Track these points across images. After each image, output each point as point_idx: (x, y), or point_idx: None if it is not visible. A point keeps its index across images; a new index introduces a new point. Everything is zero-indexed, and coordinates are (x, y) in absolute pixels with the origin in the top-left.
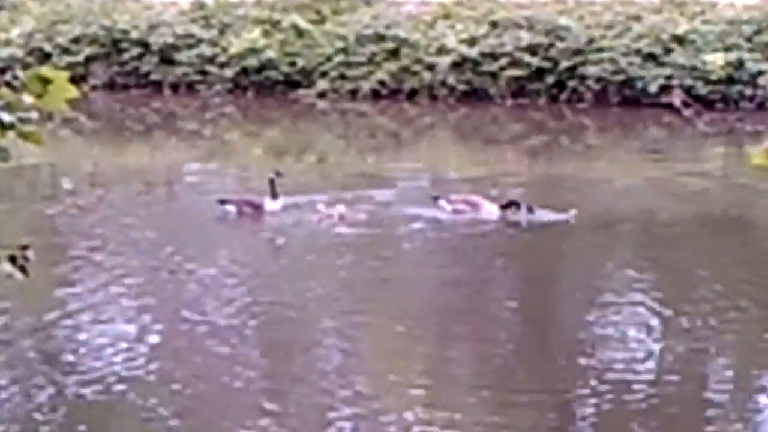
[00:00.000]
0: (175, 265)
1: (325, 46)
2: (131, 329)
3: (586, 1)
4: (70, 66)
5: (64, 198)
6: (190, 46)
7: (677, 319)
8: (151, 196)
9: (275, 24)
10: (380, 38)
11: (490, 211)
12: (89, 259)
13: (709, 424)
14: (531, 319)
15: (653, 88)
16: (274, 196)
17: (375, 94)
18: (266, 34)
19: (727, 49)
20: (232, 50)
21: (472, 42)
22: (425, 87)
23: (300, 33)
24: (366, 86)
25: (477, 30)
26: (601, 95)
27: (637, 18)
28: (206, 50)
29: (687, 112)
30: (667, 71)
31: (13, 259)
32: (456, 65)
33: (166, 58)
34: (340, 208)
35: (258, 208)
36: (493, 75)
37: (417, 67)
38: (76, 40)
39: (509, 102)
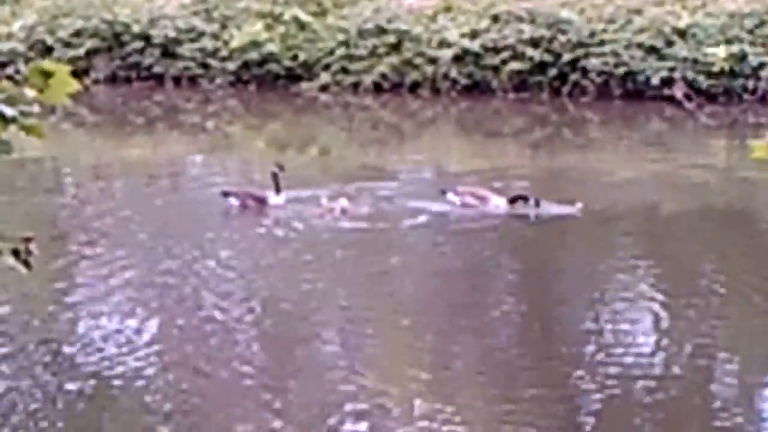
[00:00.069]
0: (177, 258)
1: (327, 40)
2: (131, 323)
3: None
4: (71, 59)
5: (66, 191)
6: (191, 40)
7: (681, 312)
8: (153, 189)
9: (277, 17)
10: (382, 31)
11: (498, 204)
12: (90, 252)
13: (714, 418)
14: (534, 312)
15: (655, 81)
16: (278, 190)
17: (377, 88)
18: (268, 27)
19: (729, 41)
20: (234, 43)
21: (473, 35)
22: (427, 80)
23: (302, 26)
24: (368, 79)
25: (479, 23)
26: (603, 88)
27: (639, 11)
28: (208, 43)
29: (689, 105)
30: (669, 64)
31: (16, 253)
32: (458, 58)
33: (168, 51)
34: (342, 202)
35: (262, 201)
36: (495, 68)
37: (419, 61)
38: (77, 34)
39: (511, 95)
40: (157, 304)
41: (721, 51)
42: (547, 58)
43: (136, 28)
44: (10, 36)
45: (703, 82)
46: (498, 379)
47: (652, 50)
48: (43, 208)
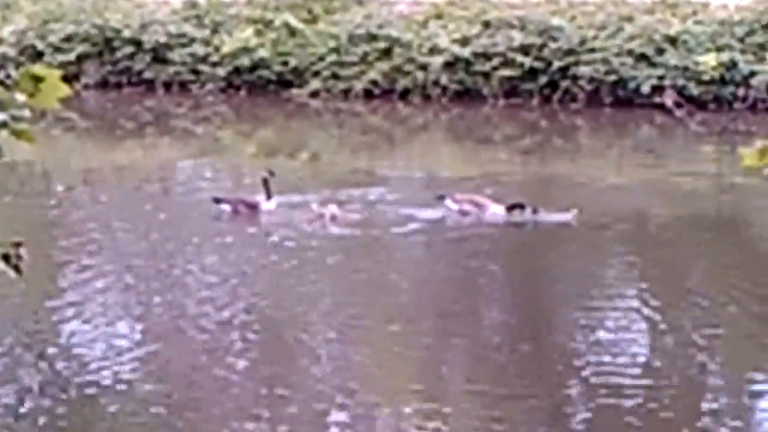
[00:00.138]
0: (167, 263)
1: (318, 46)
2: (122, 329)
3: (579, 1)
4: (62, 64)
5: (56, 196)
6: (182, 45)
7: (672, 319)
8: (143, 194)
9: (268, 23)
10: (372, 38)
11: (496, 212)
12: (79, 257)
13: (704, 426)
14: (524, 320)
15: (646, 88)
16: (269, 195)
17: (367, 94)
18: (259, 33)
19: (720, 49)
20: (225, 49)
21: (464, 42)
22: (418, 87)
23: (292, 32)
24: (358, 86)
25: (469, 30)
26: (593, 95)
27: (630, 18)
28: (199, 49)
29: (679, 113)
30: (660, 72)
31: (6, 258)
32: (448, 65)
33: (159, 56)
34: (332, 208)
35: (253, 207)
36: (486, 75)
37: (409, 67)
38: (68, 39)
39: (502, 102)
40: (145, 309)
41: (712, 59)
42: (538, 65)
43: (126, 34)
44: (0, 41)
45: (694, 89)
46: (489, 388)
47: (642, 58)
48: (32, 212)
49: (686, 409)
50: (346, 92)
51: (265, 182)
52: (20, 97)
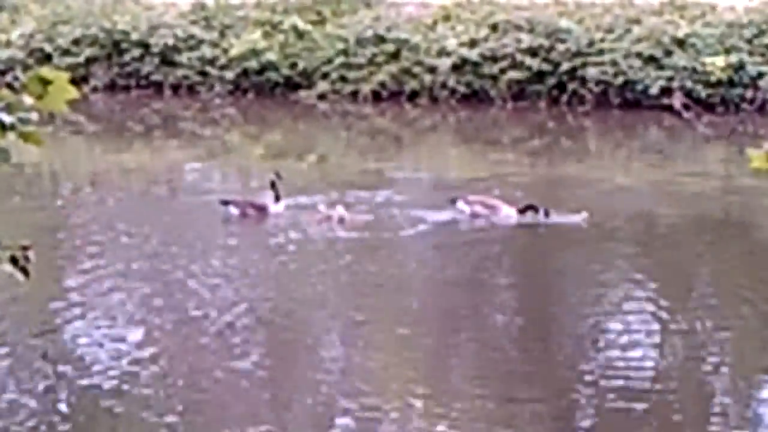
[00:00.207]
0: (175, 266)
1: (326, 48)
2: (129, 331)
3: (587, 3)
4: (70, 67)
5: (64, 198)
6: (190, 48)
7: (680, 322)
8: (151, 197)
9: (276, 26)
10: (381, 40)
11: (509, 214)
12: (87, 260)
13: (710, 427)
14: (533, 323)
15: (654, 90)
16: (277, 198)
17: (375, 96)
18: (267, 35)
19: (728, 51)
20: (233, 52)
21: (472, 44)
22: (426, 89)
23: (300, 35)
24: (366, 88)
25: (477, 32)
26: (601, 98)
27: (638, 20)
28: (207, 52)
29: (687, 115)
30: (668, 74)
31: (14, 260)
32: (456, 67)
33: (167, 59)
34: (340, 210)
35: (262, 210)
36: (494, 77)
37: (417, 69)
38: (76, 42)
39: (510, 104)
40: (151, 311)
41: (720, 61)
42: (546, 67)
43: (135, 36)
44: (8, 44)
45: (702, 91)
46: (495, 390)
47: (650, 60)
48: (39, 214)
49: (696, 411)
50: (354, 94)
51: (273, 184)
52: (28, 100)
